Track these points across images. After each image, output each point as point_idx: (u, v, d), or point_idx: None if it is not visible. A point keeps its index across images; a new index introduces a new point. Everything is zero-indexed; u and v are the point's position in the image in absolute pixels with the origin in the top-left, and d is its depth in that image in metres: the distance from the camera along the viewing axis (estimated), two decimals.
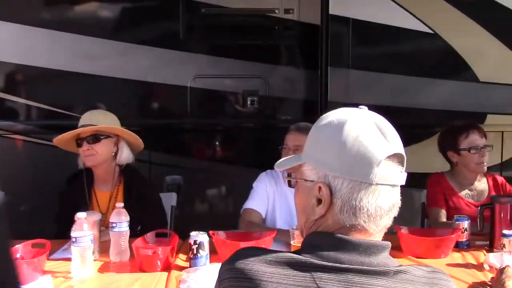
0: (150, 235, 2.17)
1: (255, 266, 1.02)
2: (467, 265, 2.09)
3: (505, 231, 2.09)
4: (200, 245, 1.98)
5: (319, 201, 1.04)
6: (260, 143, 3.88)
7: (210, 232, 2.13)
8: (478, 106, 3.60)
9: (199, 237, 2.00)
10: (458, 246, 2.30)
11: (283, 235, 2.26)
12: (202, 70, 3.81)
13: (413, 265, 1.07)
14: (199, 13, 3.78)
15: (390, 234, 2.38)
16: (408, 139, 3.99)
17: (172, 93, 3.83)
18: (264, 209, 2.71)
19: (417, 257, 2.16)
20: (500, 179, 2.88)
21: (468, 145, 2.72)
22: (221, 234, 2.15)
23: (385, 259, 1.03)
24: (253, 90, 3.84)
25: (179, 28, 3.77)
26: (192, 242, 1.99)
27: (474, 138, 2.71)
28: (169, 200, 2.94)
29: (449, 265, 2.08)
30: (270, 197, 2.74)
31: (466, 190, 2.82)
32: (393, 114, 3.90)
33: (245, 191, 2.84)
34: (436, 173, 2.93)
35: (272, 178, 2.79)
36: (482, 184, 2.84)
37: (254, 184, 2.78)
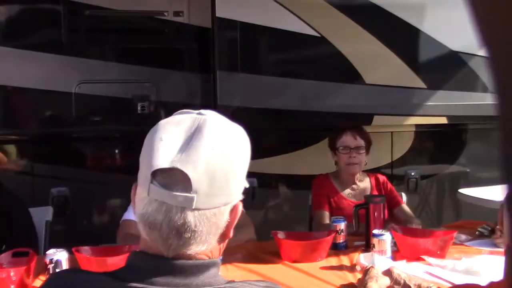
0: (5, 256, 1.98)
1: None
2: (340, 267, 2.08)
3: (375, 231, 2.11)
4: (57, 264, 1.83)
5: None
6: None
7: (73, 248, 1.98)
8: (365, 108, 3.69)
9: (56, 255, 1.84)
10: (336, 248, 2.30)
11: None
12: (87, 75, 3.61)
13: (245, 281, 1.00)
14: (83, 16, 3.59)
15: (269, 240, 2.35)
16: (297, 143, 4.02)
17: (55, 100, 3.59)
18: None
19: (293, 262, 2.13)
20: (382, 178, 2.95)
21: (339, 145, 2.80)
22: (85, 250, 2.00)
23: (209, 278, 0.95)
24: (144, 95, 3.70)
25: (61, 31, 3.56)
26: (47, 261, 1.83)
27: (346, 139, 2.79)
28: (44, 214, 2.73)
29: (322, 268, 2.06)
30: None
31: (349, 189, 2.86)
32: (282, 117, 3.92)
33: None
34: (321, 174, 2.96)
35: None
36: (364, 184, 2.89)
37: None
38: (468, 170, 4.26)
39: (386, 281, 1.75)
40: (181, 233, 0.90)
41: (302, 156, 3.86)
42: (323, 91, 3.62)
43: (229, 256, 2.21)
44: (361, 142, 2.84)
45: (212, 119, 0.96)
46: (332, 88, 3.64)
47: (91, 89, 3.62)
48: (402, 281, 1.74)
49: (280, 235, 2.23)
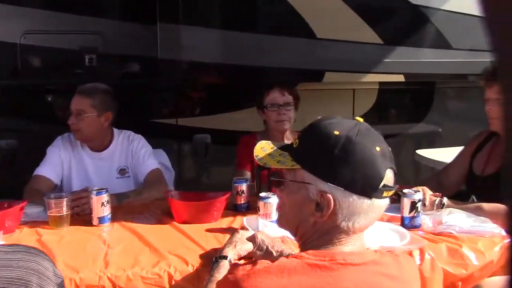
0: None
1: None
2: (227, 230, 2.01)
3: (261, 194, 2.03)
4: None
5: None
6: None
7: None
8: (315, 64, 3.55)
9: None
10: (237, 209, 2.25)
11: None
12: (33, 25, 3.54)
13: None
14: None
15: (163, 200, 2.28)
16: (241, 100, 3.90)
17: None
18: (57, 175, 2.57)
19: (184, 223, 2.08)
20: None
21: (268, 102, 2.71)
22: None
23: None
24: (91, 48, 3.62)
25: None
26: None
27: (274, 96, 2.72)
28: None
29: (207, 230, 2.00)
30: (65, 163, 2.60)
31: None
32: (226, 72, 3.79)
33: None
34: (247, 133, 2.89)
35: (68, 143, 2.64)
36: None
37: (48, 149, 2.62)
38: (431, 130, 4.12)
39: (249, 246, 1.69)
40: None
41: (252, 113, 3.76)
42: (270, 46, 3.48)
43: (125, 215, 2.18)
44: (290, 98, 2.75)
45: None
46: (280, 42, 3.50)
47: (38, 40, 3.55)
48: (264, 247, 1.68)
49: (174, 195, 2.18)
